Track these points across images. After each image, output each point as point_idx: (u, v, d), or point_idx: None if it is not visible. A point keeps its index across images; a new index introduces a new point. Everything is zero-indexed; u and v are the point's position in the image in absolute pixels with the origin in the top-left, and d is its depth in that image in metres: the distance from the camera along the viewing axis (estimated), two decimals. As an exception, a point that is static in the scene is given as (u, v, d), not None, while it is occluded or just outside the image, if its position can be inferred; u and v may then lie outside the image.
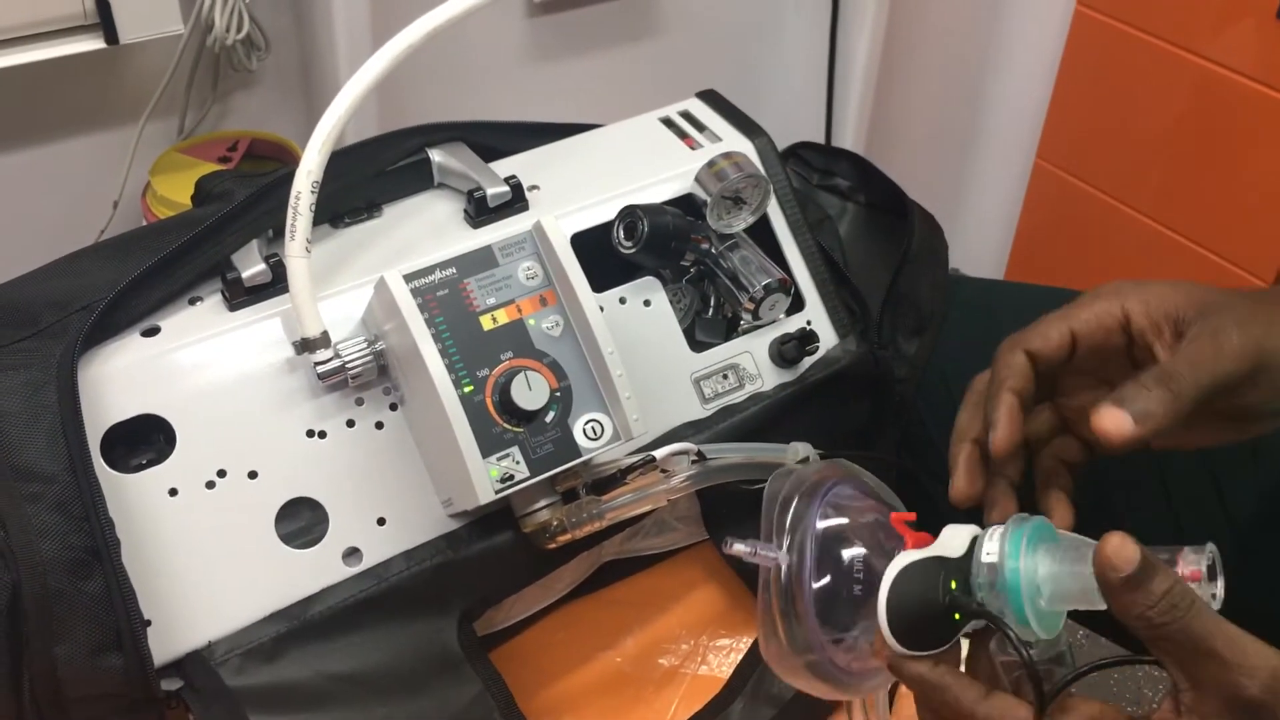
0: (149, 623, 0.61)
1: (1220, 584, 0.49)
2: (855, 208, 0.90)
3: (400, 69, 0.67)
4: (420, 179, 0.75)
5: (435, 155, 0.75)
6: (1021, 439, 0.57)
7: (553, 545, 0.66)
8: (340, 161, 0.71)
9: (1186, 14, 1.44)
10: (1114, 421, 0.53)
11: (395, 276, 0.62)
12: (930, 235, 0.85)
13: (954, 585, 0.51)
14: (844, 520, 0.58)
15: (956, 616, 0.51)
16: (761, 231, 0.78)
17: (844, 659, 0.58)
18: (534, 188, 0.75)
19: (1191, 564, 0.49)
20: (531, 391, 0.62)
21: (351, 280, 0.69)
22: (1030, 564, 0.50)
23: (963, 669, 0.53)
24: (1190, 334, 0.56)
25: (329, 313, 0.66)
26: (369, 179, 0.74)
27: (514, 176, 0.74)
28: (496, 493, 0.62)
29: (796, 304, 0.78)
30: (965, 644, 0.54)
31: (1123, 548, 0.46)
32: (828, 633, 0.56)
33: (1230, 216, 1.47)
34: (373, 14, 1.03)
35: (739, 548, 0.59)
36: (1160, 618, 0.45)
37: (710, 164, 0.75)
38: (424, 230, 0.73)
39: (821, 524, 0.58)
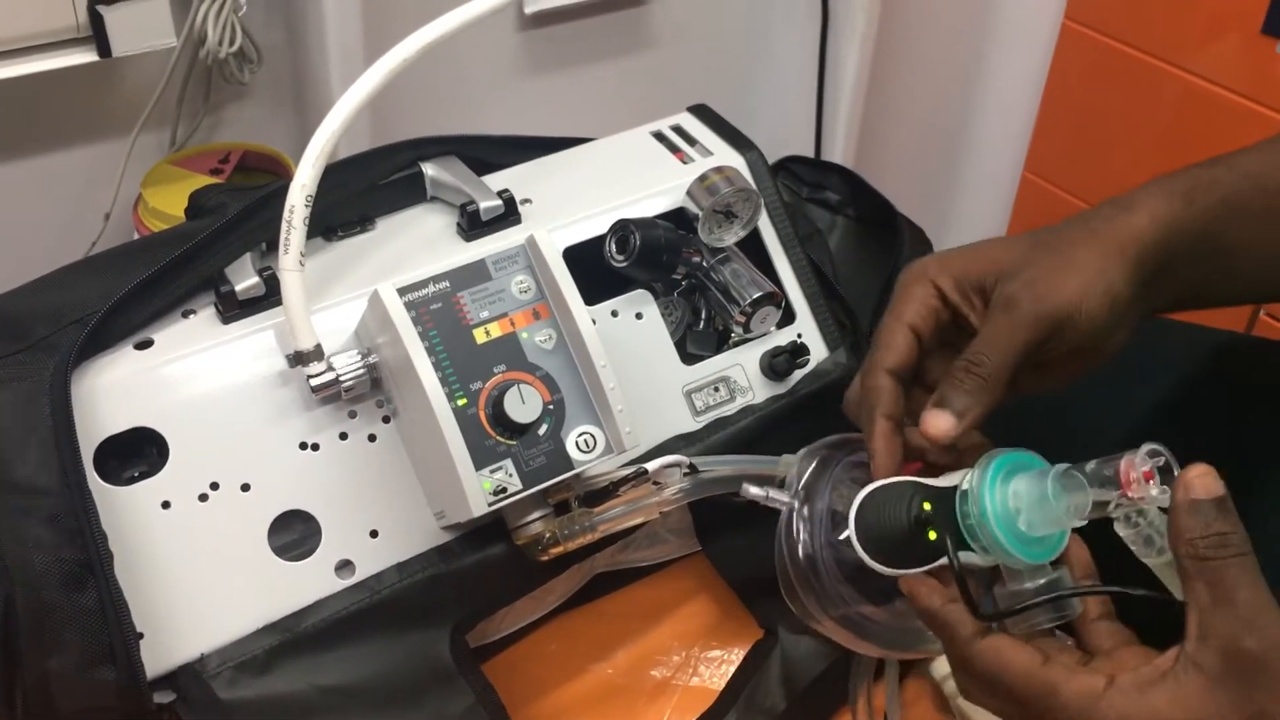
0: (142, 635, 0.61)
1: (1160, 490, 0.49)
2: (845, 221, 0.91)
3: (393, 83, 0.67)
4: (413, 192, 0.76)
5: (428, 169, 0.75)
6: (901, 456, 0.58)
7: (545, 557, 0.66)
8: (333, 175, 0.71)
9: (1172, 28, 1.45)
10: (937, 425, 0.56)
11: (389, 289, 0.62)
12: (919, 248, 0.85)
13: (927, 506, 0.53)
14: (859, 475, 0.60)
15: (932, 536, 0.53)
16: (752, 245, 0.78)
17: (873, 610, 0.59)
18: (526, 201, 0.76)
19: (1144, 464, 0.49)
20: (524, 404, 0.62)
21: (345, 293, 0.69)
22: (1004, 490, 0.51)
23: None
24: (989, 308, 0.58)
25: (322, 325, 0.66)
26: (362, 192, 0.74)
27: (506, 190, 0.74)
28: (489, 505, 0.62)
29: (787, 317, 0.78)
30: None
31: (1208, 477, 0.47)
32: (848, 589, 0.58)
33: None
34: (365, 27, 1.03)
35: (753, 491, 0.62)
36: (1207, 550, 0.47)
37: (702, 178, 0.76)
38: (417, 243, 0.73)
39: (844, 473, 0.61)
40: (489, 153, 0.79)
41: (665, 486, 0.67)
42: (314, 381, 0.64)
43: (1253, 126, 1.40)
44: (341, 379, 0.65)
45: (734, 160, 0.80)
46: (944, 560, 0.53)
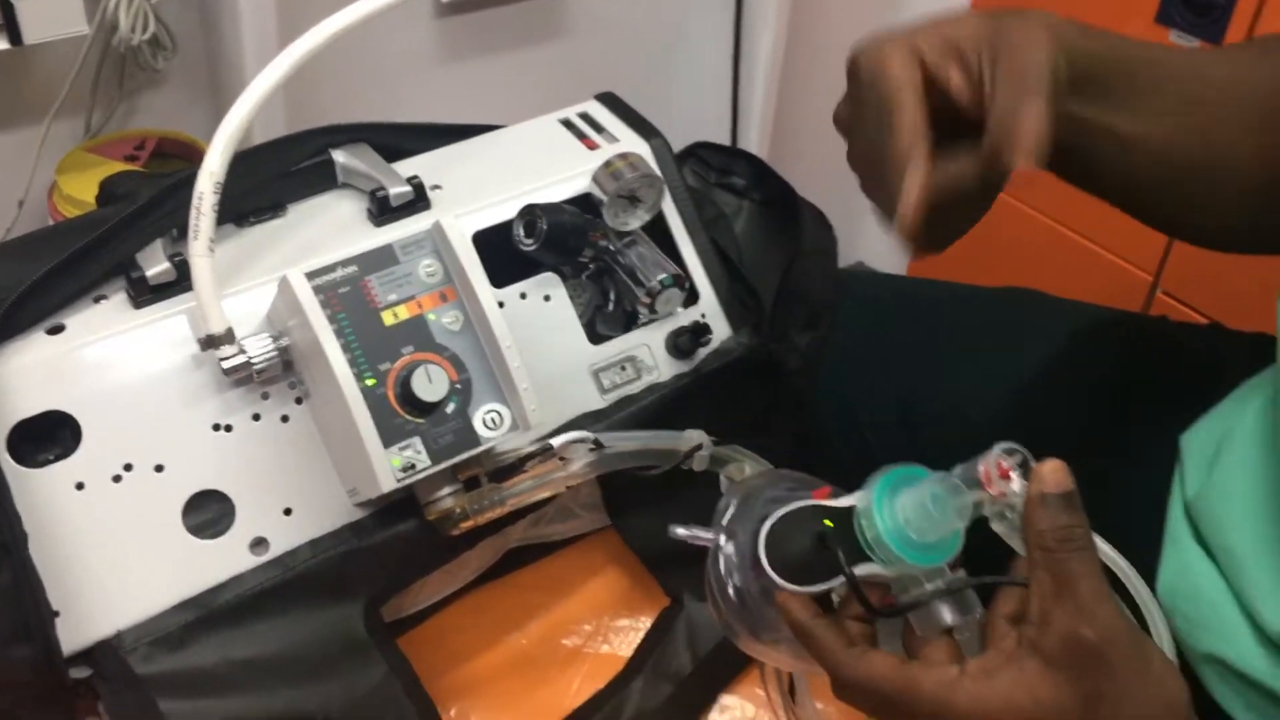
0: (57, 614, 0.62)
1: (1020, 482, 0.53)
2: (751, 205, 0.94)
3: (307, 69, 0.68)
4: (324, 179, 0.77)
5: (338, 156, 0.77)
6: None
7: (456, 532, 0.68)
8: (245, 162, 0.73)
9: (1072, 15, 1.50)
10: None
11: (298, 274, 0.64)
12: (820, 232, 0.89)
13: (828, 523, 0.57)
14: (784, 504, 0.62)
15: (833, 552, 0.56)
16: (658, 229, 0.81)
17: None
18: (436, 187, 0.78)
19: (1004, 460, 0.53)
20: (431, 384, 0.65)
21: (256, 278, 0.71)
22: (892, 503, 0.55)
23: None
24: (1002, 54, 0.57)
25: (234, 310, 0.67)
26: (273, 179, 0.75)
27: (416, 176, 0.76)
28: (398, 481, 0.64)
29: (692, 298, 0.81)
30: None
31: (1059, 472, 0.51)
32: (776, 614, 0.60)
33: (1116, 212, 1.54)
34: (279, 13, 1.04)
35: (680, 532, 0.64)
36: (1055, 544, 0.50)
37: (607, 164, 0.78)
38: (328, 229, 0.75)
39: (764, 506, 0.62)
40: (399, 140, 0.80)
41: (571, 461, 0.70)
42: (226, 364, 0.66)
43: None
44: (253, 361, 0.66)
45: (639, 147, 0.82)
46: (839, 580, 0.56)
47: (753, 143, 1.40)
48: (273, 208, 0.76)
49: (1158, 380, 0.81)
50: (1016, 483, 0.53)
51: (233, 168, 0.66)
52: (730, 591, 0.62)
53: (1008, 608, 0.56)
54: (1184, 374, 0.81)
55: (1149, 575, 0.66)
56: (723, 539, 0.63)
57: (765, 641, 0.63)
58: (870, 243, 1.72)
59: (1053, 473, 0.51)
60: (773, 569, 0.58)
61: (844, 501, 0.58)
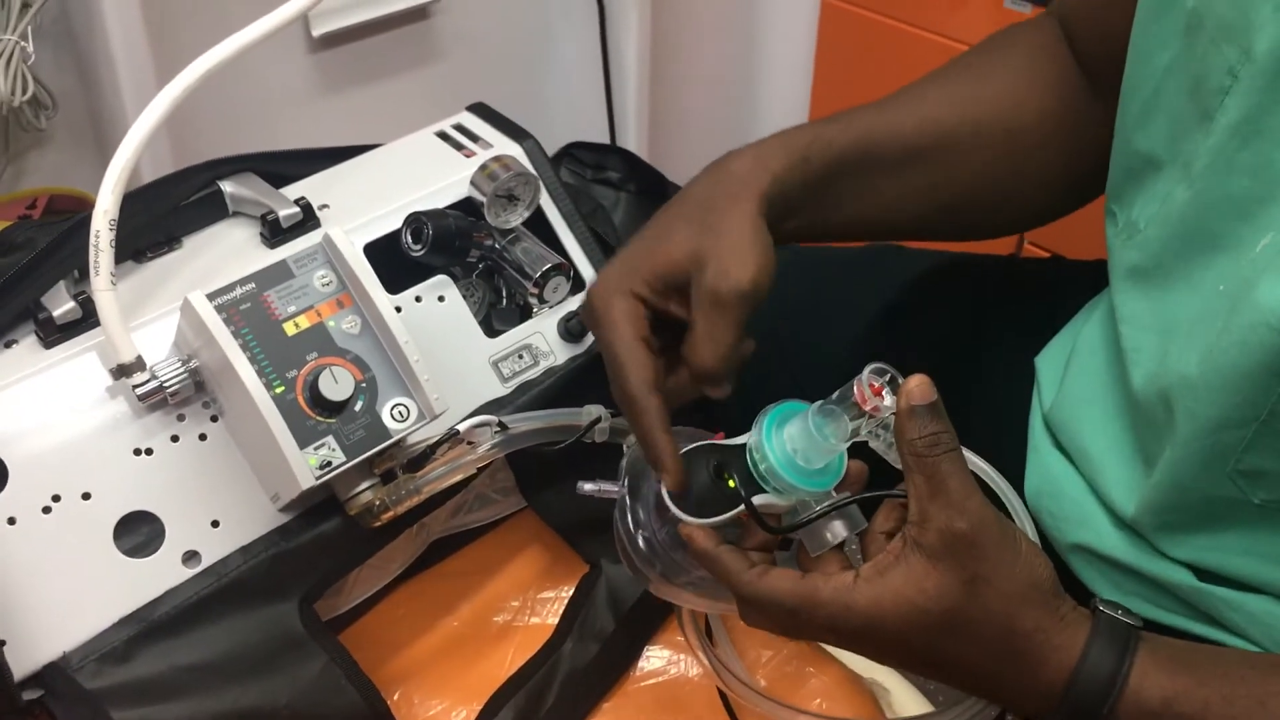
0: (3, 642, 0.65)
1: (892, 398, 0.59)
2: (627, 196, 1.00)
3: (191, 110, 0.72)
4: (215, 210, 0.81)
5: (227, 186, 0.81)
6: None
7: (378, 524, 0.72)
8: (136, 201, 0.76)
9: (920, -4, 1.59)
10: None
11: (199, 296, 0.68)
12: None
13: (720, 459, 0.62)
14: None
15: (731, 484, 0.62)
16: (540, 225, 0.86)
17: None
18: (324, 206, 0.82)
19: (875, 380, 0.59)
20: (338, 384, 0.69)
21: (159, 308, 0.74)
22: (779, 436, 0.61)
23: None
24: (697, 304, 0.67)
25: (141, 341, 0.71)
26: (165, 214, 0.79)
27: (303, 198, 0.80)
28: (317, 478, 0.68)
29: (578, 285, 0.86)
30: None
31: (924, 385, 0.56)
32: (688, 559, 0.65)
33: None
34: (155, 63, 1.07)
35: (586, 487, 0.69)
36: (925, 449, 0.56)
37: (482, 167, 0.83)
38: (224, 256, 0.79)
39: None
40: (283, 166, 0.84)
41: (479, 445, 0.74)
42: (139, 390, 0.69)
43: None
44: (166, 385, 0.70)
45: (512, 150, 0.87)
46: (740, 509, 0.62)
47: (630, 139, 1.46)
48: (168, 241, 0.79)
49: (1008, 309, 0.88)
50: (888, 399, 0.58)
51: (125, 207, 0.70)
52: (640, 540, 0.67)
53: (886, 525, 0.62)
54: (1031, 302, 0.89)
55: (1017, 482, 0.72)
56: (627, 491, 0.68)
57: (677, 584, 0.69)
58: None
59: (918, 386, 0.56)
60: (675, 506, 0.63)
61: (736, 440, 0.64)
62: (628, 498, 0.68)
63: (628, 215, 0.98)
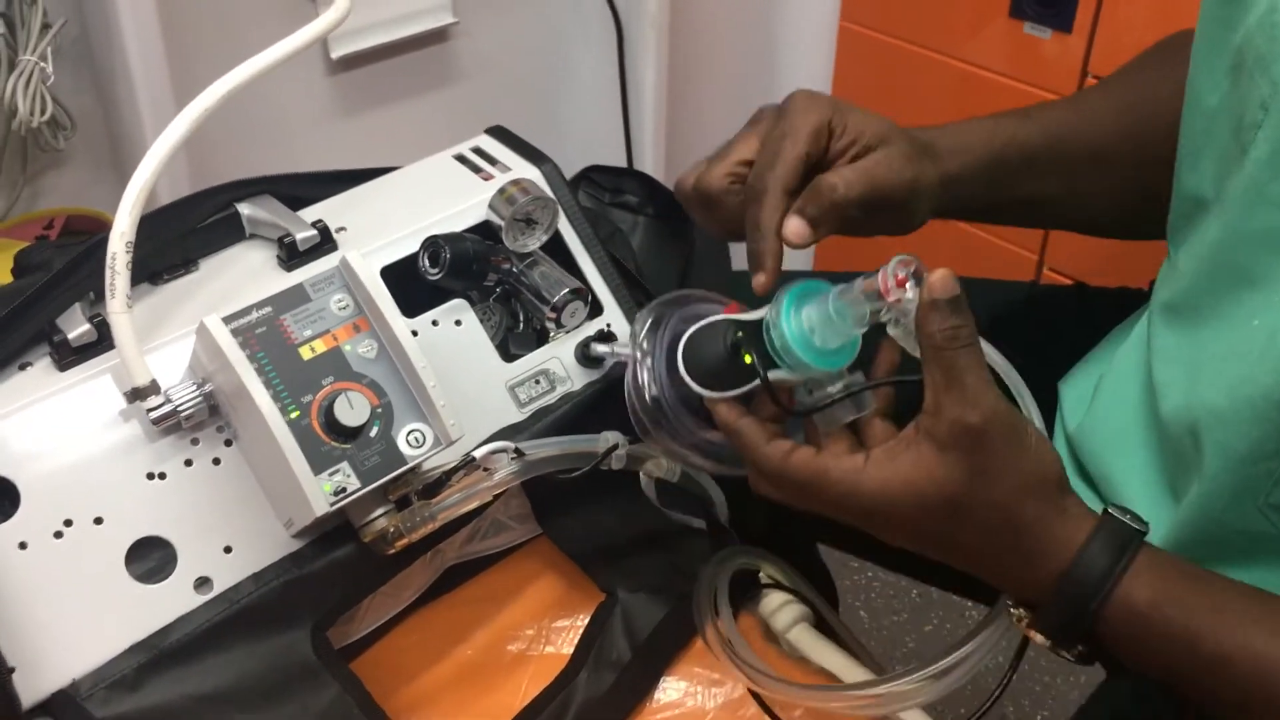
0: (13, 669, 0.64)
1: (915, 290, 0.59)
2: (645, 220, 0.99)
3: (208, 132, 0.72)
4: (232, 232, 0.81)
5: (244, 209, 0.81)
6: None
7: (392, 551, 0.71)
8: (152, 223, 0.76)
9: (938, 21, 1.59)
10: (796, 231, 0.67)
11: (214, 320, 0.67)
12: (711, 239, 0.94)
13: (740, 335, 0.63)
14: (690, 323, 0.68)
15: (747, 359, 0.63)
16: (558, 249, 0.86)
17: (715, 434, 0.69)
18: (341, 229, 0.82)
19: (900, 271, 0.59)
20: (353, 410, 0.68)
21: (175, 331, 0.74)
22: (798, 315, 0.62)
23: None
24: (871, 156, 0.69)
25: (156, 364, 0.70)
26: (182, 236, 0.79)
27: (320, 220, 0.80)
28: (331, 505, 0.67)
29: (596, 309, 0.85)
30: None
31: (947, 279, 0.57)
32: (695, 422, 0.67)
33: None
34: (174, 84, 1.07)
35: (599, 348, 0.74)
36: (943, 342, 0.56)
37: (500, 191, 0.83)
38: (240, 279, 0.78)
39: (678, 324, 0.69)
40: (301, 189, 0.84)
41: (495, 471, 0.73)
42: (153, 414, 0.69)
43: (1014, 102, 1.54)
44: (180, 409, 0.69)
45: (530, 173, 0.87)
46: (759, 381, 0.62)
47: (647, 163, 1.45)
48: (184, 264, 0.79)
49: (1030, 334, 0.87)
50: (910, 291, 0.59)
51: (142, 229, 0.69)
52: (648, 399, 0.69)
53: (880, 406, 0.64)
54: (1053, 328, 0.88)
55: None
56: (640, 353, 0.69)
57: (680, 444, 0.70)
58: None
59: (941, 279, 0.57)
60: (691, 377, 0.64)
61: (754, 315, 0.65)
62: (640, 355, 0.69)
63: (646, 239, 0.98)
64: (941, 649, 0.65)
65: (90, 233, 1.15)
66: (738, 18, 1.58)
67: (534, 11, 1.40)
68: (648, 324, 0.70)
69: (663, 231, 0.97)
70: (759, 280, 0.68)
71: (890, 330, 0.62)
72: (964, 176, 0.73)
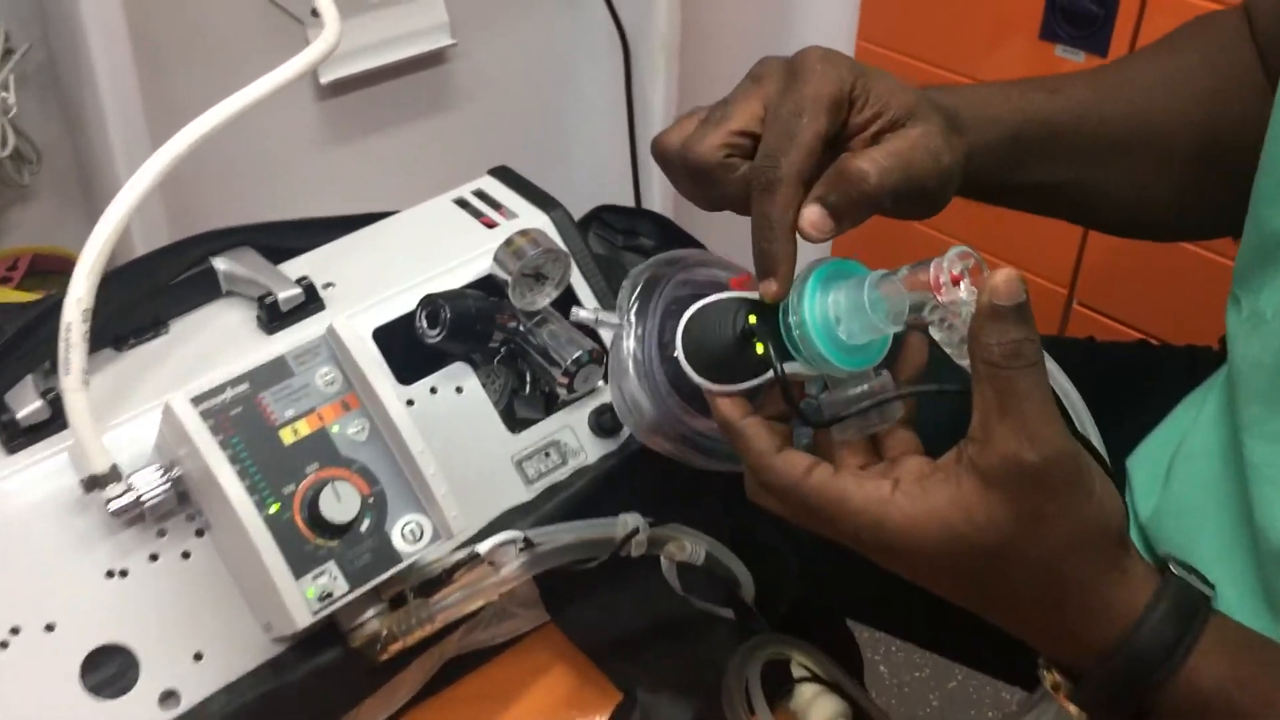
0: (-56, 806, 0.56)
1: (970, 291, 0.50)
2: (662, 266, 0.91)
3: (186, 168, 0.64)
4: (207, 290, 0.72)
5: (220, 264, 0.72)
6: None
7: (385, 656, 0.63)
8: (119, 280, 0.69)
9: (961, 43, 1.52)
10: (815, 222, 0.55)
11: (181, 401, 0.59)
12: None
13: (752, 319, 0.53)
14: (689, 291, 0.59)
15: (759, 349, 0.53)
16: (569, 303, 0.77)
17: (708, 425, 0.59)
18: (329, 285, 0.73)
19: (954, 266, 0.50)
20: (341, 502, 0.60)
21: (141, 405, 0.65)
22: (824, 299, 0.52)
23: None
24: (903, 135, 0.57)
25: (120, 442, 0.62)
26: (151, 296, 0.70)
27: (305, 277, 0.71)
28: (315, 614, 0.59)
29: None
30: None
31: (1014, 281, 0.47)
32: (681, 406, 0.58)
33: (1024, 231, 1.55)
34: (148, 112, 0.99)
35: (582, 314, 0.62)
36: (999, 358, 0.47)
37: (507, 243, 0.74)
38: (216, 342, 0.70)
39: (675, 290, 0.60)
40: (284, 238, 0.76)
41: (502, 565, 0.66)
42: (113, 505, 0.60)
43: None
44: (144, 499, 0.61)
45: (539, 220, 0.79)
46: (770, 374, 0.53)
47: (656, 200, 1.38)
48: (153, 326, 0.71)
49: (1088, 401, 0.79)
50: (965, 291, 0.49)
51: (106, 286, 0.62)
52: (633, 377, 0.59)
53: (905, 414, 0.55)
54: (1115, 393, 0.79)
55: None
56: (628, 328, 0.59)
57: (667, 435, 0.61)
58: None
59: (1005, 281, 0.47)
60: (690, 365, 0.54)
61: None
62: (626, 331, 0.60)
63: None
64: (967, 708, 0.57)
65: (57, 272, 1.07)
66: (751, 38, 1.51)
67: (536, 32, 1.33)
68: (639, 289, 0.60)
69: (681, 279, 0.89)
70: (770, 288, 0.55)
71: (935, 334, 0.52)
72: (982, 152, 0.64)
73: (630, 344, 0.59)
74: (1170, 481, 0.68)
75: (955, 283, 0.49)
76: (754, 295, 0.55)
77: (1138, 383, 0.80)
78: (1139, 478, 0.72)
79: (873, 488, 0.51)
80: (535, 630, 0.79)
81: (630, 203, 1.38)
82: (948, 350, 0.52)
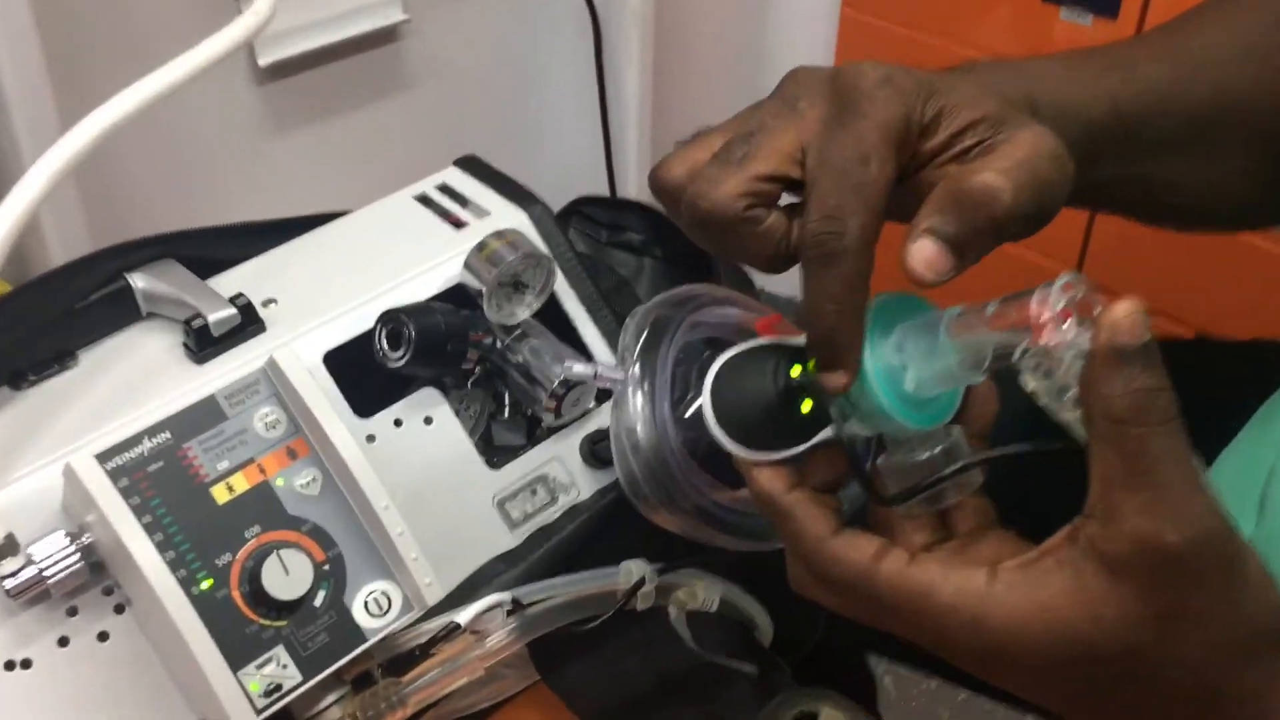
0: None
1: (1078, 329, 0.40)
2: (652, 263, 0.82)
3: (108, 158, 0.54)
4: (123, 312, 0.61)
5: (138, 281, 0.61)
6: None
7: (349, 748, 0.53)
8: (17, 303, 0.59)
9: (954, 7, 1.44)
10: (927, 261, 0.43)
11: (85, 460, 0.48)
12: (739, 287, 0.76)
13: (796, 371, 0.45)
14: (702, 334, 0.52)
15: (805, 407, 0.45)
16: (551, 312, 0.67)
17: (731, 497, 0.52)
18: (270, 302, 0.63)
19: (1059, 300, 0.40)
20: (289, 574, 0.50)
21: (43, 456, 0.54)
22: (886, 342, 0.43)
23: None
24: (1021, 146, 0.46)
25: (16, 505, 0.52)
26: (55, 321, 0.59)
27: (241, 295, 0.61)
28: (260, 712, 0.49)
29: (605, 392, 0.67)
30: None
31: (1137, 315, 0.37)
32: (699, 475, 0.51)
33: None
34: (58, 101, 0.88)
35: (576, 369, 0.54)
36: (1125, 413, 0.38)
37: (480, 247, 0.64)
38: (134, 377, 0.59)
39: (687, 335, 0.53)
40: (215, 248, 0.65)
41: (487, 633, 0.56)
42: (9, 584, 0.50)
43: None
44: (47, 574, 0.50)
45: (515, 218, 0.69)
46: (821, 436, 0.45)
47: (630, 186, 1.30)
48: (58, 358, 0.59)
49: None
50: (1072, 328, 0.39)
51: (2, 310, 0.52)
52: (642, 440, 0.51)
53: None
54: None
55: None
56: (633, 383, 0.51)
57: (685, 511, 0.52)
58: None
59: (1128, 315, 0.37)
60: (721, 429, 0.45)
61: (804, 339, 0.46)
62: (631, 388, 0.52)
63: (655, 287, 0.80)
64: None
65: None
66: (729, 8, 1.43)
67: (496, 4, 1.24)
68: (644, 335, 0.52)
69: (676, 277, 0.80)
70: (839, 381, 0.45)
71: (1030, 383, 0.42)
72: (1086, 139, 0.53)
73: (637, 400, 0.50)
74: (1268, 505, 0.59)
75: (1063, 318, 0.39)
76: (791, 340, 0.46)
77: (1198, 386, 0.72)
78: (1226, 499, 0.63)
79: (963, 578, 0.41)
80: (523, 690, 0.69)
81: (604, 191, 1.28)
82: (1043, 401, 0.42)
